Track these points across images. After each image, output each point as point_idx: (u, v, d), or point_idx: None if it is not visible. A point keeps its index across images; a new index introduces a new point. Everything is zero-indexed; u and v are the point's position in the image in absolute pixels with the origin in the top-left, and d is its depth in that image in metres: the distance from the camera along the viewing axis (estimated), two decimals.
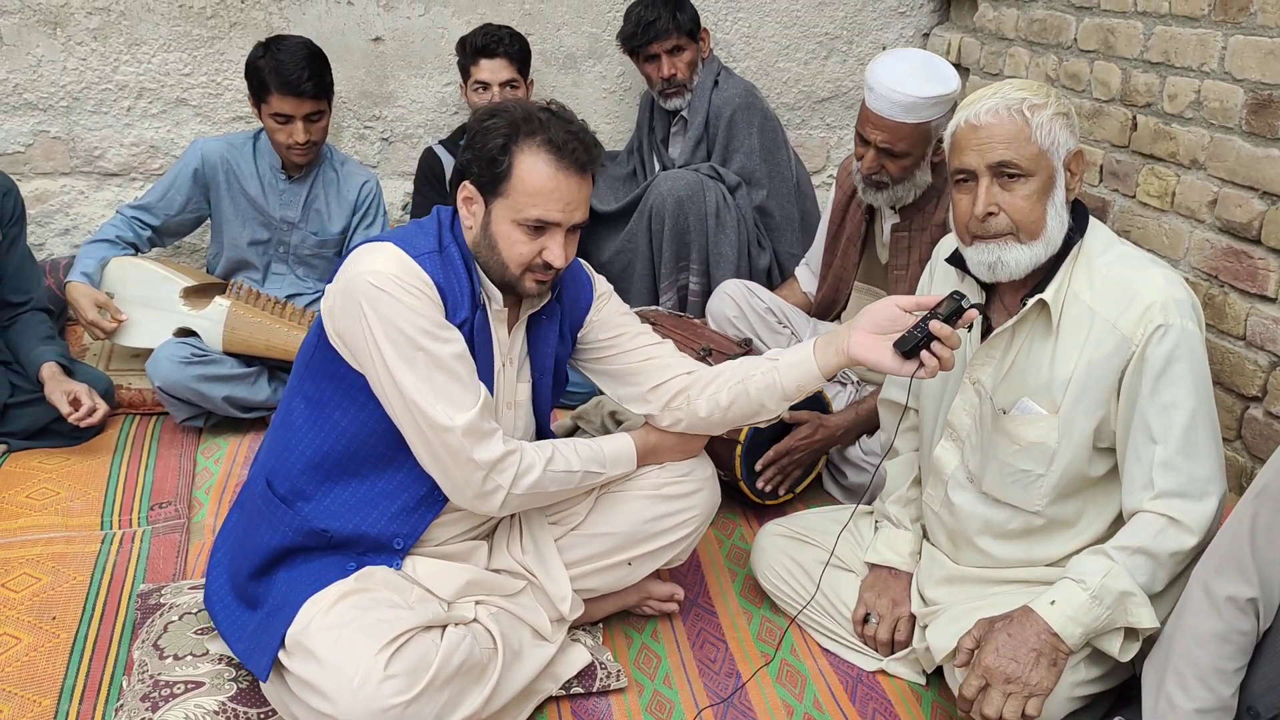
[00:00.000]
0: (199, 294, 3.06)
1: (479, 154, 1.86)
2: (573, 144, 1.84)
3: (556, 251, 1.87)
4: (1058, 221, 1.84)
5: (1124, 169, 2.91)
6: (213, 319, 2.98)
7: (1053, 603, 1.75)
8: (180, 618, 2.10)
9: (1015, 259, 1.84)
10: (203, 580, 2.16)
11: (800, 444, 2.58)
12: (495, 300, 1.94)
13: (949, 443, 2.04)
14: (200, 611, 2.10)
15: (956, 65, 3.80)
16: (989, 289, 1.98)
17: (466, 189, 1.90)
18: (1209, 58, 2.58)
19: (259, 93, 3.01)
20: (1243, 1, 2.47)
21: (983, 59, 3.62)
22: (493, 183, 1.86)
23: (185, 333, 2.99)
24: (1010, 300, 1.94)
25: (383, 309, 1.80)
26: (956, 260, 1.97)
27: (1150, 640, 1.78)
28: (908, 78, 2.42)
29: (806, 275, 3.04)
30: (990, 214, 1.83)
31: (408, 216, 3.75)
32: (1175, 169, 2.71)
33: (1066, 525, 1.93)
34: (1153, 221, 2.79)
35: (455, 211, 1.95)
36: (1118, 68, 2.92)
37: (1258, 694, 1.56)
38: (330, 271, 3.23)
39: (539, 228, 1.86)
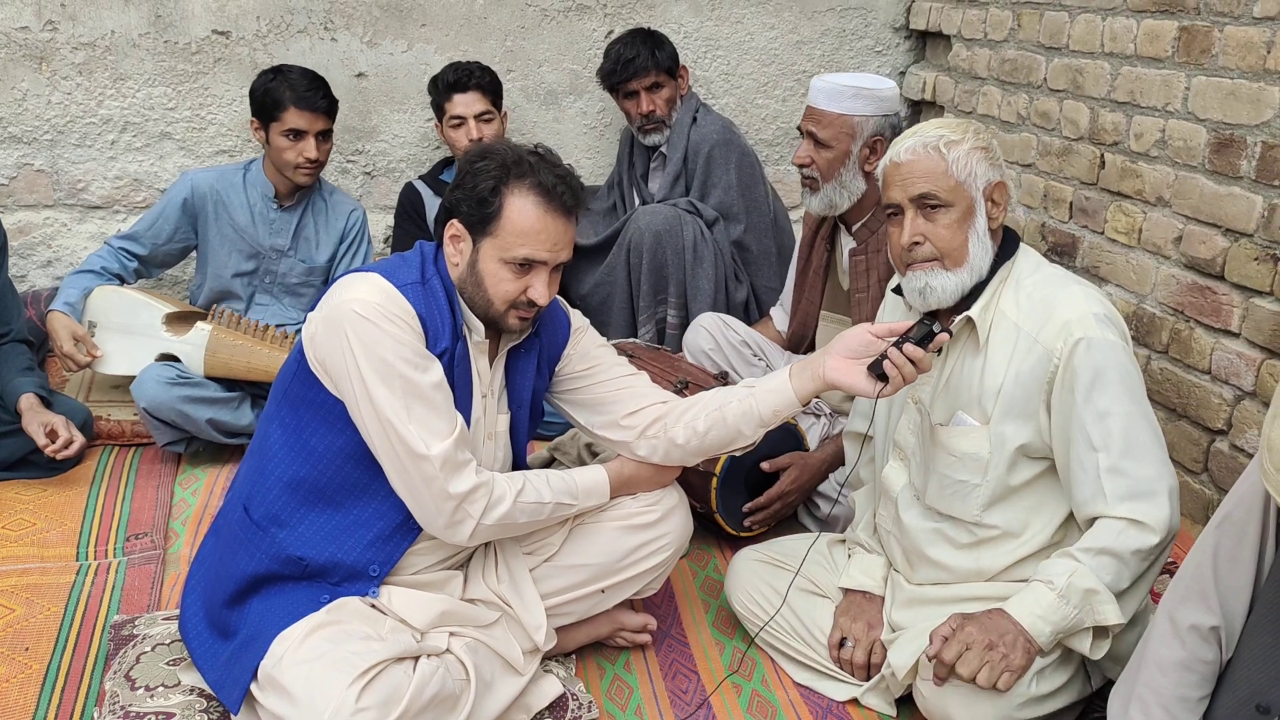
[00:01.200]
0: (181, 320, 3.09)
1: (469, 194, 1.90)
2: (560, 187, 1.90)
3: (541, 289, 1.92)
4: (980, 248, 1.95)
5: (1093, 206, 2.96)
6: (194, 343, 3.00)
7: (1023, 603, 1.82)
8: (153, 649, 2.10)
9: (942, 285, 1.94)
10: (177, 611, 2.17)
11: (793, 487, 2.62)
12: (476, 331, 1.98)
13: (897, 462, 2.12)
14: (173, 642, 2.11)
15: (931, 103, 3.87)
16: (931, 314, 2.04)
17: (454, 227, 1.94)
18: (1173, 98, 2.64)
19: (271, 111, 3.08)
20: (1205, 43, 2.53)
21: (957, 97, 3.69)
22: (482, 222, 1.90)
23: (167, 358, 3.00)
24: (946, 322, 2.02)
25: (366, 336, 1.83)
26: (901, 290, 2.05)
27: (1115, 652, 1.81)
28: (838, 74, 2.64)
29: (780, 315, 3.10)
30: (916, 243, 1.95)
31: (389, 249, 3.78)
32: (1142, 206, 2.76)
33: (1012, 535, 1.99)
34: (1121, 257, 2.84)
35: (438, 245, 1.99)
36: (1086, 107, 2.98)
37: None
38: (317, 300, 3.26)
39: (525, 266, 1.90)
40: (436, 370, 1.89)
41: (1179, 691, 1.60)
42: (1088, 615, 1.80)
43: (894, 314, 2.15)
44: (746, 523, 2.62)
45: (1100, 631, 1.84)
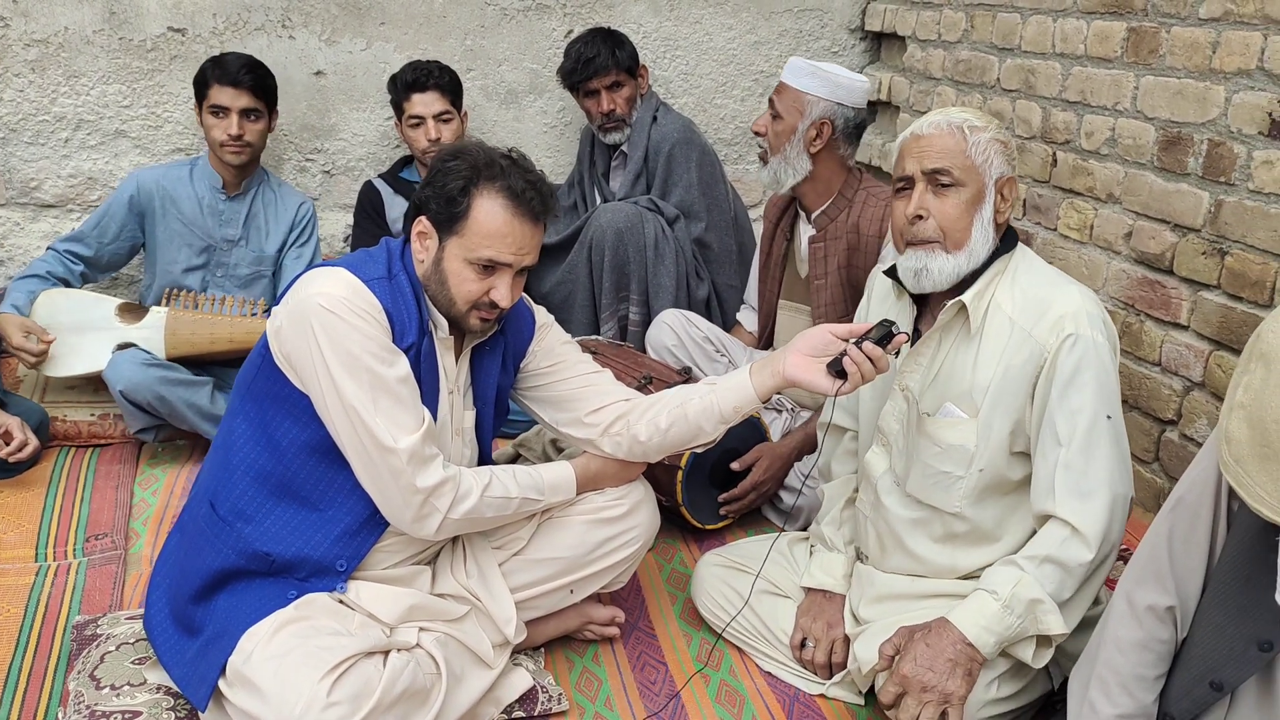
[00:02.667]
0: (134, 310, 3.08)
1: (438, 192, 1.92)
2: (530, 193, 1.92)
3: (504, 291, 1.93)
4: (983, 236, 1.95)
5: (1045, 203, 3.02)
6: (152, 326, 3.00)
7: (967, 613, 1.82)
8: (117, 648, 2.08)
9: (939, 267, 1.94)
10: (140, 611, 2.15)
11: (765, 476, 2.66)
12: (441, 328, 1.99)
13: (879, 448, 2.14)
14: (138, 642, 2.09)
15: (886, 104, 3.93)
16: (920, 303, 2.07)
17: (422, 224, 1.95)
18: (1122, 97, 2.70)
19: (200, 91, 3.15)
20: (1153, 44, 2.60)
21: (912, 98, 3.74)
22: (449, 221, 1.91)
23: (126, 349, 2.97)
24: (938, 311, 2.03)
25: (332, 330, 1.83)
26: (892, 273, 2.07)
27: (1075, 651, 1.85)
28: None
29: (749, 316, 3.14)
30: (919, 216, 1.94)
31: (349, 248, 3.76)
32: (1093, 203, 2.83)
33: (988, 534, 2.00)
34: (1073, 253, 2.90)
35: (405, 242, 2.00)
36: (1038, 106, 3.04)
37: (1173, 700, 1.62)
38: (268, 291, 3.26)
39: (489, 267, 1.91)
40: (403, 364, 1.90)
41: (1137, 670, 1.64)
42: (1031, 625, 1.81)
43: (881, 296, 2.17)
44: (722, 511, 2.66)
45: (1043, 640, 1.85)
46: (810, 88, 2.67)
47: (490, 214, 1.90)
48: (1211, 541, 1.59)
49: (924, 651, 1.80)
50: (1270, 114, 2.26)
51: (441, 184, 1.92)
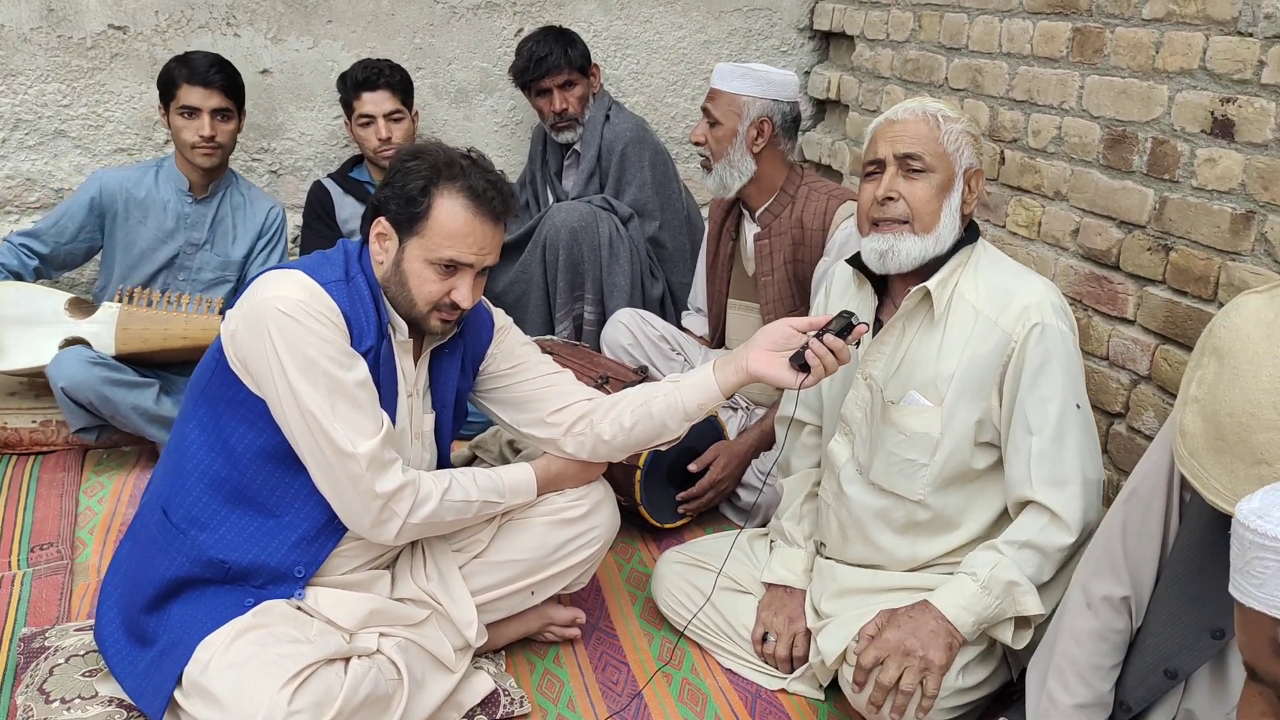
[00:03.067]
0: (85, 305, 3.01)
1: (398, 193, 1.90)
2: (490, 192, 1.91)
3: (465, 292, 1.92)
4: (950, 221, 1.99)
5: (994, 201, 3.07)
6: (103, 321, 2.93)
7: (947, 594, 1.87)
8: (67, 660, 2.03)
9: (906, 249, 1.97)
10: (90, 622, 2.11)
11: (724, 474, 2.67)
12: (400, 331, 1.97)
13: (842, 437, 2.16)
14: (88, 654, 2.04)
15: (835, 102, 3.96)
16: (882, 292, 2.09)
17: (381, 224, 1.93)
18: (1068, 96, 2.75)
19: (168, 91, 3.08)
20: (1097, 44, 2.65)
21: (861, 96, 3.78)
22: (409, 221, 1.90)
23: (73, 343, 2.90)
24: (900, 300, 2.06)
25: (289, 334, 1.80)
26: (855, 261, 2.09)
27: (1033, 642, 1.88)
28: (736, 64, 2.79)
29: (697, 321, 3.15)
30: (890, 198, 1.98)
31: (298, 249, 3.71)
32: (1041, 200, 2.87)
33: (949, 522, 2.04)
34: (1021, 250, 2.95)
35: (363, 243, 1.98)
36: (986, 105, 3.08)
37: (1129, 688, 1.65)
38: (233, 297, 3.21)
39: (450, 268, 1.90)
40: (361, 368, 1.88)
41: (1093, 660, 1.67)
42: (1009, 606, 1.86)
43: (841, 286, 2.19)
44: (681, 510, 2.66)
45: (1022, 621, 1.90)
46: (744, 89, 2.70)
47: (451, 214, 1.89)
48: (1164, 532, 1.63)
49: (906, 623, 1.85)
50: (1212, 113, 2.31)
51: (401, 184, 1.90)
